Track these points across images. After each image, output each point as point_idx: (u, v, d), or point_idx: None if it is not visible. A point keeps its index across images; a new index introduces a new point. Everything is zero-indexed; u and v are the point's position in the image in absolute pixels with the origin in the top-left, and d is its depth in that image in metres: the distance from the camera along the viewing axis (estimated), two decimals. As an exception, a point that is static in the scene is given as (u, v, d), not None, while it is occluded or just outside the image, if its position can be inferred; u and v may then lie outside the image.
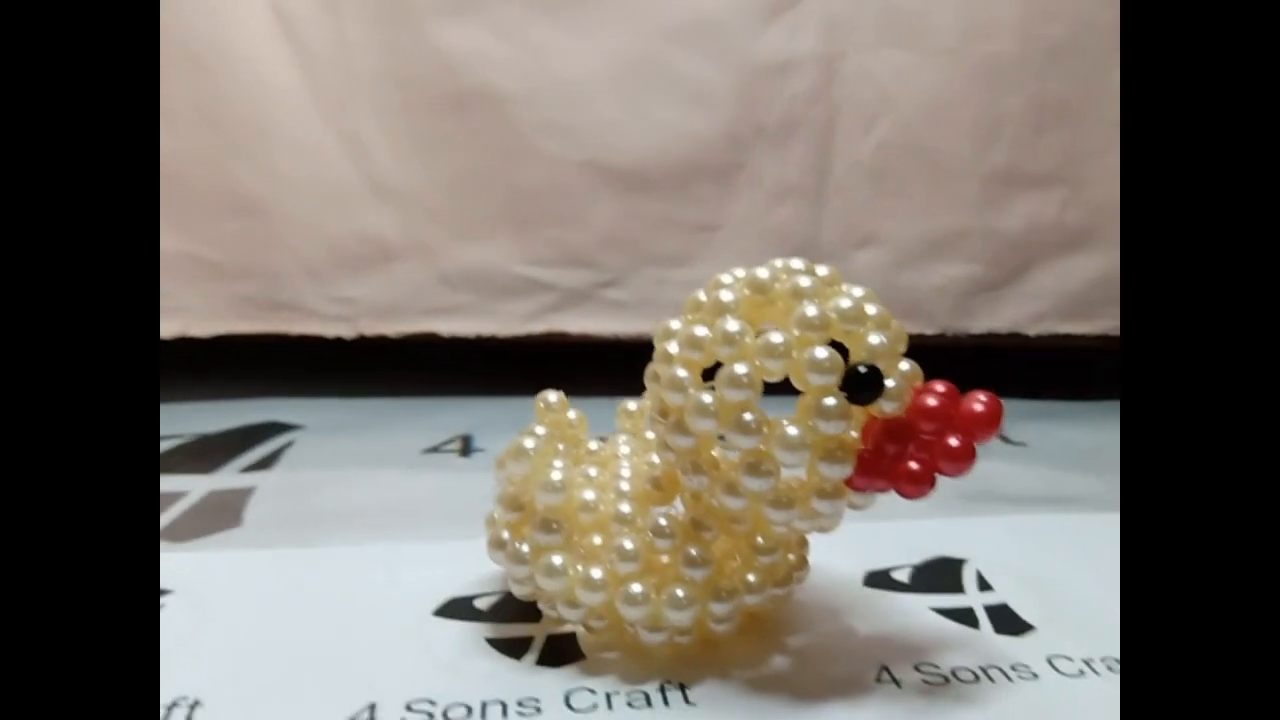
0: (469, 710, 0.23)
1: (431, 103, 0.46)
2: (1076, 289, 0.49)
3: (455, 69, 0.46)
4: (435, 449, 0.44)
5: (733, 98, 0.47)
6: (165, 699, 0.23)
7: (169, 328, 0.46)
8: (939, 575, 0.31)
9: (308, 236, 0.46)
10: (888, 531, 0.33)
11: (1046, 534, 0.34)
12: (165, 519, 0.35)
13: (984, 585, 0.30)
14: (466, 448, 0.44)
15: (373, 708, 0.23)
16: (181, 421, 0.46)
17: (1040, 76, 0.47)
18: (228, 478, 0.40)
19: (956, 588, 0.30)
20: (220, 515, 0.36)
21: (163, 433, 0.45)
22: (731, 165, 0.49)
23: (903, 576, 0.31)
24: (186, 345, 0.46)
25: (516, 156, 0.47)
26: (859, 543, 0.32)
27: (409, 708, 0.23)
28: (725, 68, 0.47)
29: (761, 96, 0.48)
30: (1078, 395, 0.50)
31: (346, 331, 0.47)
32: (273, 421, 0.47)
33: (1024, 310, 0.50)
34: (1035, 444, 0.45)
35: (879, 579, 0.30)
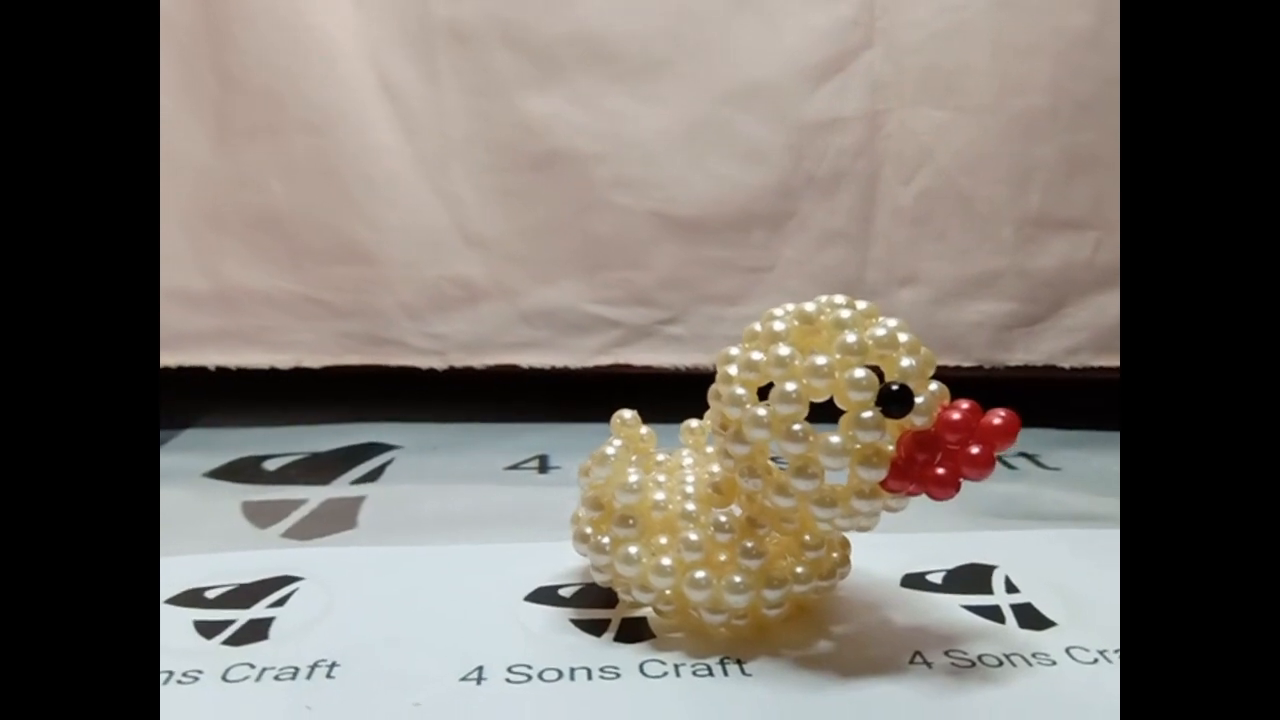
0: (559, 674, 0.27)
1: (516, 162, 0.51)
2: (1108, 325, 0.51)
3: (538, 133, 0.51)
4: (516, 466, 0.49)
5: (785, 153, 0.51)
6: (307, 661, 0.28)
7: (285, 359, 0.52)
8: (970, 579, 0.34)
9: (406, 280, 0.52)
10: (924, 541, 0.36)
11: (1073, 547, 0.37)
12: (289, 521, 0.41)
13: (1011, 588, 0.33)
14: (544, 466, 0.49)
15: (480, 669, 0.27)
16: (296, 441, 0.52)
17: (1070, 129, 0.50)
18: (340, 489, 0.45)
19: (986, 589, 0.33)
20: (337, 519, 0.41)
21: (280, 450, 0.51)
22: (783, 213, 0.52)
23: (936, 579, 0.34)
24: (300, 375, 0.53)
25: (589, 209, 0.52)
26: (897, 551, 0.35)
27: (510, 670, 0.27)
28: (779, 126, 0.51)
29: (811, 151, 0.51)
30: (1108, 425, 0.52)
31: (438, 364, 0.53)
32: (375, 442, 0.52)
33: (1059, 344, 0.52)
34: (1068, 469, 0.48)
35: (914, 580, 0.34)
